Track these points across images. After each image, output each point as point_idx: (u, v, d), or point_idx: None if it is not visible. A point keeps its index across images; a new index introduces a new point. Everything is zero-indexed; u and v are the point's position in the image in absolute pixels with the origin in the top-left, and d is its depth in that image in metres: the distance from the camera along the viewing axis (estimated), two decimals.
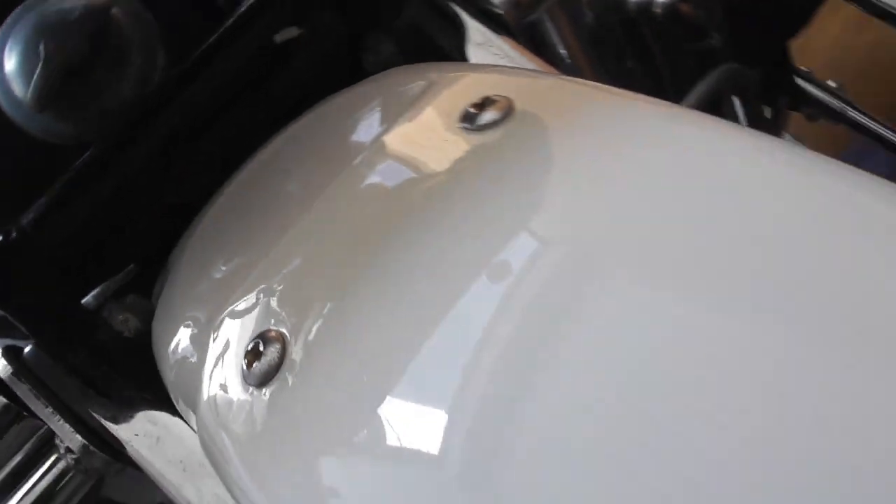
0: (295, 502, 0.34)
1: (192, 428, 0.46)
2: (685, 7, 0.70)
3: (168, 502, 0.57)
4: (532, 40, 0.60)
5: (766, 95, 0.86)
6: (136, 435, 0.46)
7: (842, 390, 0.28)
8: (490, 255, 0.35)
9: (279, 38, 0.57)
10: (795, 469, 0.27)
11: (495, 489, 0.32)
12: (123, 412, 0.47)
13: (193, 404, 0.40)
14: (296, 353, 0.35)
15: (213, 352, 0.39)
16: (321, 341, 0.35)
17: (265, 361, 0.35)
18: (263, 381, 0.34)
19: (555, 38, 0.61)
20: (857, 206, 0.35)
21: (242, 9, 0.55)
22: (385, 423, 0.33)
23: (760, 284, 0.32)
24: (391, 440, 0.33)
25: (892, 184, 0.35)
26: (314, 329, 0.35)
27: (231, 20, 0.55)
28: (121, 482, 0.52)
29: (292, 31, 0.57)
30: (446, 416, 0.33)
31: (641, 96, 0.45)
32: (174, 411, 0.46)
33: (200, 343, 0.41)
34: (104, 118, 0.54)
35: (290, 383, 0.34)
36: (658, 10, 0.69)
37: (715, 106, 0.78)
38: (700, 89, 0.64)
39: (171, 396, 0.44)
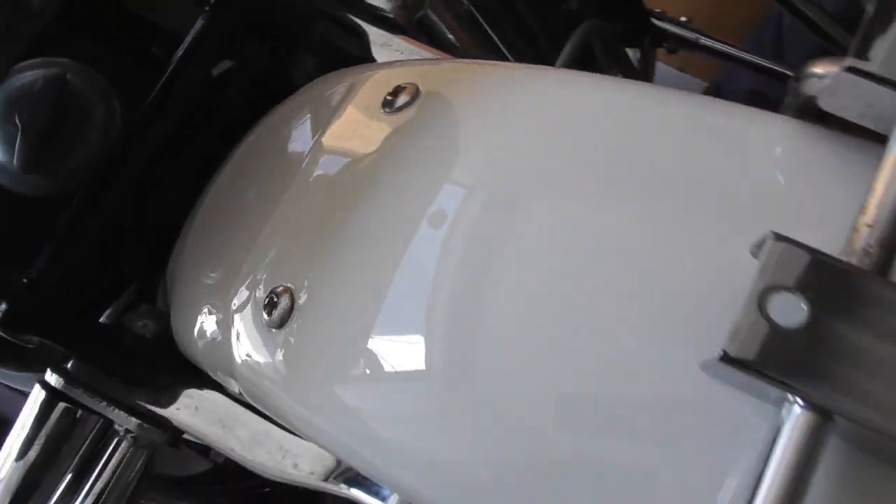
0: (337, 412, 0.45)
1: (224, 393, 0.57)
2: None
3: (210, 466, 0.68)
4: (425, 35, 0.71)
5: (630, 40, 0.99)
6: (178, 409, 0.57)
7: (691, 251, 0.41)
8: (430, 198, 0.47)
9: (216, 71, 0.68)
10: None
11: (474, 382, 0.44)
12: (162, 395, 0.58)
13: (230, 371, 0.51)
14: (302, 297, 0.47)
15: (236, 323, 0.50)
16: (319, 285, 0.47)
17: (281, 307, 0.46)
18: (282, 322, 0.46)
19: (443, 28, 0.73)
20: (692, 121, 0.47)
21: (180, 53, 0.66)
22: (381, 338, 0.45)
23: (628, 187, 0.45)
24: (389, 352, 0.45)
25: (720, 100, 0.48)
26: (312, 278, 0.47)
27: (173, 64, 0.66)
28: (170, 460, 0.63)
29: (226, 64, 0.68)
30: (425, 327, 0.45)
31: (520, 64, 0.58)
32: (201, 384, 0.58)
33: (222, 321, 0.52)
34: (80, 168, 0.64)
35: (304, 318, 0.46)
36: None
37: (588, 59, 0.91)
38: (568, 49, 0.76)
39: (209, 372, 0.55)
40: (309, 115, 0.58)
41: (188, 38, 0.66)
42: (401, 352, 0.45)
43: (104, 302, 0.63)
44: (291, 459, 0.54)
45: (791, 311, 0.31)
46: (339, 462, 0.52)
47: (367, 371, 0.45)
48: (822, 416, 0.32)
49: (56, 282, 0.61)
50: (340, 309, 0.46)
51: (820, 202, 0.38)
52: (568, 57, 0.75)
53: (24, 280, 0.60)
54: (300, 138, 0.57)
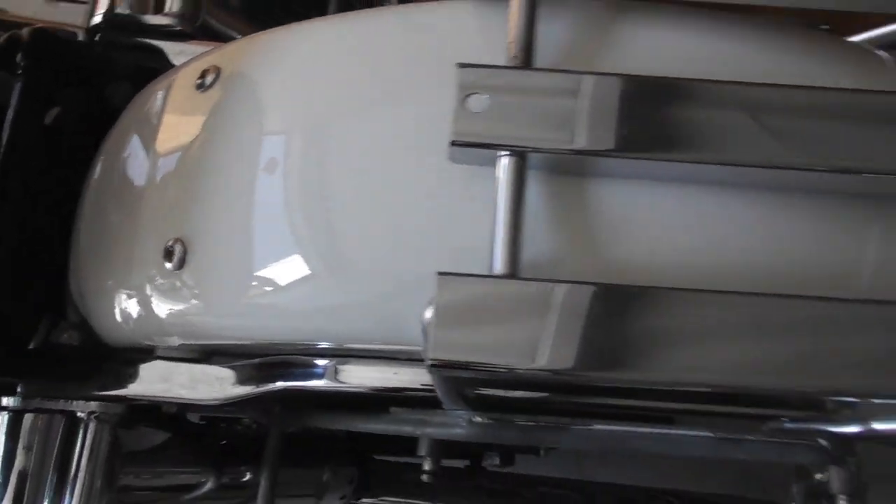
0: (252, 307, 0.60)
1: (155, 356, 0.69)
2: None
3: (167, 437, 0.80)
4: (210, 36, 0.85)
5: None
6: (125, 384, 0.69)
7: None
8: (261, 141, 0.62)
9: (48, 120, 0.79)
10: None
11: (336, 249, 0.59)
12: (106, 379, 0.69)
13: (162, 329, 0.64)
14: (191, 240, 0.61)
15: (148, 287, 0.63)
16: (199, 227, 0.61)
17: (177, 253, 0.61)
18: (182, 263, 0.60)
19: (222, 26, 0.86)
20: (414, 24, 0.64)
21: (10, 116, 0.76)
22: (261, 247, 0.60)
23: (390, 85, 0.61)
24: (269, 254, 0.60)
25: (423, 4, 0.65)
26: (191, 225, 0.62)
27: (7, 129, 0.76)
28: (130, 440, 0.74)
29: (55, 111, 0.79)
30: (288, 227, 0.60)
31: (294, 23, 0.73)
32: (135, 359, 0.70)
33: (137, 294, 0.65)
34: None
35: (198, 253, 0.61)
36: None
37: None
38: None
39: (145, 343, 0.67)
40: (144, 120, 0.71)
41: (13, 103, 0.76)
42: (276, 249, 0.60)
43: (29, 331, 0.73)
44: (229, 382, 0.68)
45: (482, 103, 0.50)
46: (266, 367, 0.66)
47: (261, 271, 0.60)
48: (520, 157, 0.50)
49: None
50: (223, 237, 0.61)
51: (493, 44, 0.56)
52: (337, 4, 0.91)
53: None
54: (144, 138, 0.70)
